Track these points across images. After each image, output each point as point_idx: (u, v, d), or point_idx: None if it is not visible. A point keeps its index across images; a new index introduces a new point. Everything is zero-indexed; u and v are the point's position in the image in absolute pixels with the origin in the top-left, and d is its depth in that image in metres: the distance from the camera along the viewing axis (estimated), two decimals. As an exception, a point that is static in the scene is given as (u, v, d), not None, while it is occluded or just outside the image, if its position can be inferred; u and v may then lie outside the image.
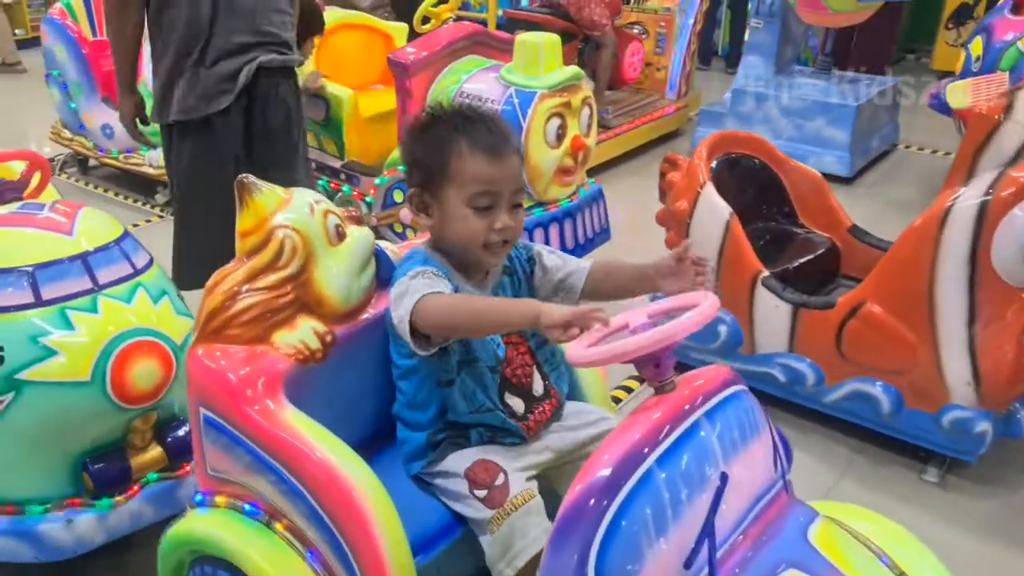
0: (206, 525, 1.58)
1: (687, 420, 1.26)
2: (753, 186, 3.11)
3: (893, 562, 1.38)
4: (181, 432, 2.09)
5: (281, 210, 1.53)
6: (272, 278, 1.51)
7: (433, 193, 1.52)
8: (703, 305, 1.27)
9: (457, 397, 1.53)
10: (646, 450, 1.20)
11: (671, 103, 5.90)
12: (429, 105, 1.66)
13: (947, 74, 5.90)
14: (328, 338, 1.55)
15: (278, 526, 1.50)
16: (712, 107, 5.69)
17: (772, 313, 2.77)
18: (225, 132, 2.54)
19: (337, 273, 1.57)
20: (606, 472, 1.18)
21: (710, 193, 2.85)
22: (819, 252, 3.04)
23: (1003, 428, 2.53)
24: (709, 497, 1.23)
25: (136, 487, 2.03)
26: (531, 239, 3.31)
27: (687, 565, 1.19)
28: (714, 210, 2.83)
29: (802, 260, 2.98)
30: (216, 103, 2.49)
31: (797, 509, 1.39)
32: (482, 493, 1.48)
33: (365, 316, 1.64)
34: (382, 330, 1.63)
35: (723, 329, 2.87)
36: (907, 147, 5.74)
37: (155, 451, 2.06)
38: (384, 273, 1.66)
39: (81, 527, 1.96)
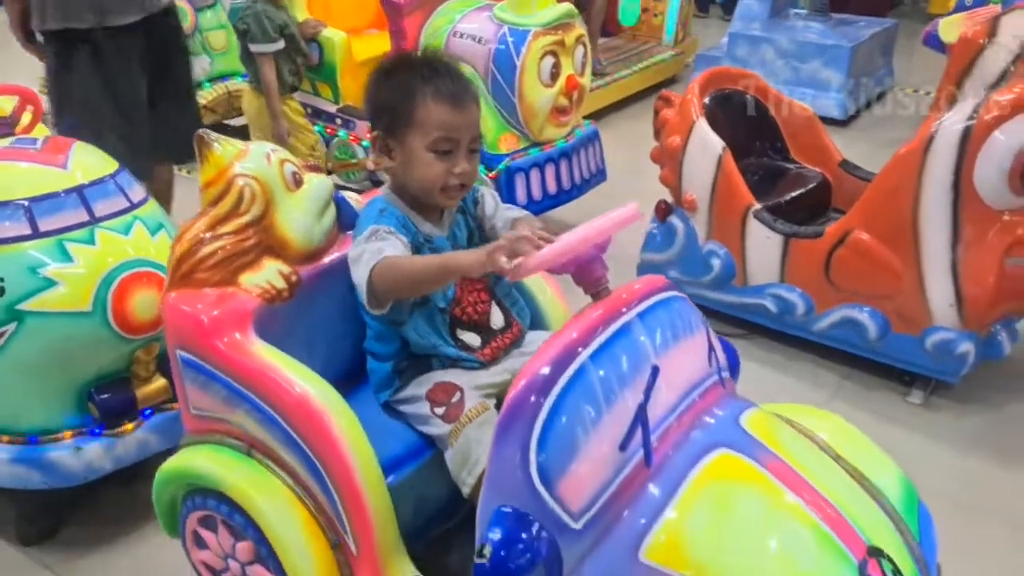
0: (192, 459, 1.67)
1: (620, 320, 1.34)
2: (745, 122, 3.14)
3: (828, 445, 1.47)
4: (183, 363, 2.17)
5: (239, 160, 1.61)
6: (235, 223, 1.59)
7: (397, 137, 1.59)
8: (626, 208, 1.36)
9: (412, 335, 1.62)
10: (580, 348, 1.28)
11: (667, 49, 5.88)
12: (395, 55, 1.72)
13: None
14: (293, 278, 1.63)
15: (258, 455, 1.59)
16: (708, 52, 5.67)
17: (763, 244, 2.82)
18: (120, 53, 2.51)
19: (297, 217, 1.65)
20: (544, 369, 1.25)
21: (703, 128, 2.88)
22: (810, 186, 3.07)
23: (984, 350, 2.58)
24: (641, 387, 1.30)
25: (141, 417, 2.11)
26: (527, 180, 3.35)
27: (622, 448, 1.27)
28: (707, 145, 2.86)
29: (793, 194, 3.01)
30: (114, 18, 2.46)
31: (732, 401, 1.46)
32: (440, 410, 1.57)
33: (330, 258, 1.72)
34: (347, 271, 1.69)
35: (716, 262, 2.92)
36: (902, 89, 5.73)
37: (159, 382, 2.13)
38: (345, 219, 1.74)
39: (89, 455, 2.04)
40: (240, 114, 4.56)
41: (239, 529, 1.59)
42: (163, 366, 2.14)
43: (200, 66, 4.37)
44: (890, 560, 1.30)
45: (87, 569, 2.12)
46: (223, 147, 1.61)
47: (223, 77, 4.46)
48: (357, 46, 3.71)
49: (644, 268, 3.11)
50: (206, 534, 1.68)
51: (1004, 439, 2.54)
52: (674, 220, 3.02)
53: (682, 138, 2.93)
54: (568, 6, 3.33)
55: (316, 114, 3.78)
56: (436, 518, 1.63)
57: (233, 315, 1.55)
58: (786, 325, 2.87)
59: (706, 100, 3.02)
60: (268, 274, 1.60)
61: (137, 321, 2.01)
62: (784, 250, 2.79)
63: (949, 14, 4.35)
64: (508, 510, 1.23)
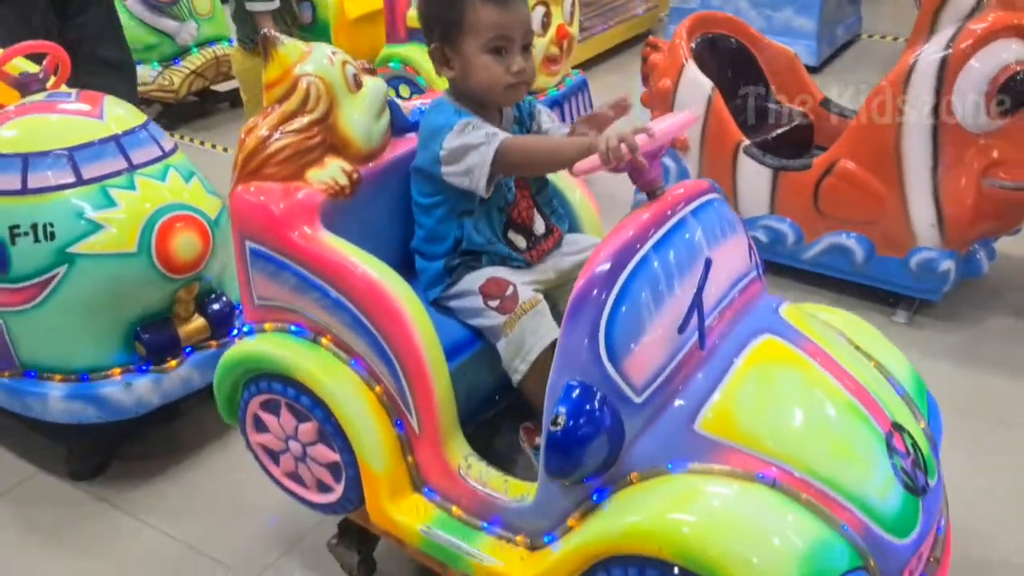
0: (258, 345, 1.75)
1: (675, 217, 1.47)
2: (730, 64, 3.27)
3: (849, 339, 1.63)
4: (219, 304, 2.29)
5: (303, 61, 1.69)
6: (302, 121, 1.66)
7: (452, 46, 1.68)
8: (686, 111, 1.54)
9: (471, 227, 1.73)
10: (638, 245, 1.41)
11: (641, 4, 5.99)
12: None
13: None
14: (355, 176, 1.71)
15: (324, 340, 1.69)
16: (682, 5, 5.78)
17: (754, 178, 2.97)
18: None
19: (358, 117, 1.72)
20: (606, 262, 1.39)
21: (692, 70, 3.02)
22: (794, 124, 3.22)
23: (964, 268, 2.77)
24: (696, 276, 1.45)
25: (184, 354, 2.23)
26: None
27: (680, 330, 1.42)
28: (696, 86, 3.00)
29: (779, 131, 3.17)
30: None
31: (769, 295, 1.62)
32: (495, 303, 1.68)
33: (385, 159, 1.81)
34: (402, 171, 1.80)
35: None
36: (870, 36, 5.91)
37: (198, 321, 2.25)
38: (398, 122, 1.83)
39: (139, 390, 2.16)
40: (228, 78, 4.63)
41: (305, 411, 1.69)
42: (201, 306, 2.27)
43: (187, 31, 4.41)
44: (910, 435, 1.47)
45: (140, 499, 2.24)
46: (288, 47, 1.68)
47: (210, 42, 4.50)
48: (349, 4, 3.79)
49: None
50: (267, 417, 1.78)
51: (985, 350, 2.73)
52: (666, 160, 3.16)
53: (672, 81, 3.06)
54: (557, -43, 3.44)
55: (310, 72, 3.86)
56: (484, 405, 1.76)
57: (302, 207, 1.63)
58: (777, 255, 3.03)
59: (693, 44, 3.15)
60: (332, 171, 1.68)
61: (179, 260, 2.11)
62: (773, 183, 2.95)
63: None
64: (577, 384, 1.36)
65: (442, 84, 3.44)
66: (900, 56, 2.67)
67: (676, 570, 1.31)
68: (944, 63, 2.50)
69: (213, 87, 4.72)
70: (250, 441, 1.87)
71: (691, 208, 1.51)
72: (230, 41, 4.55)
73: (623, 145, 1.38)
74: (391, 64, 3.52)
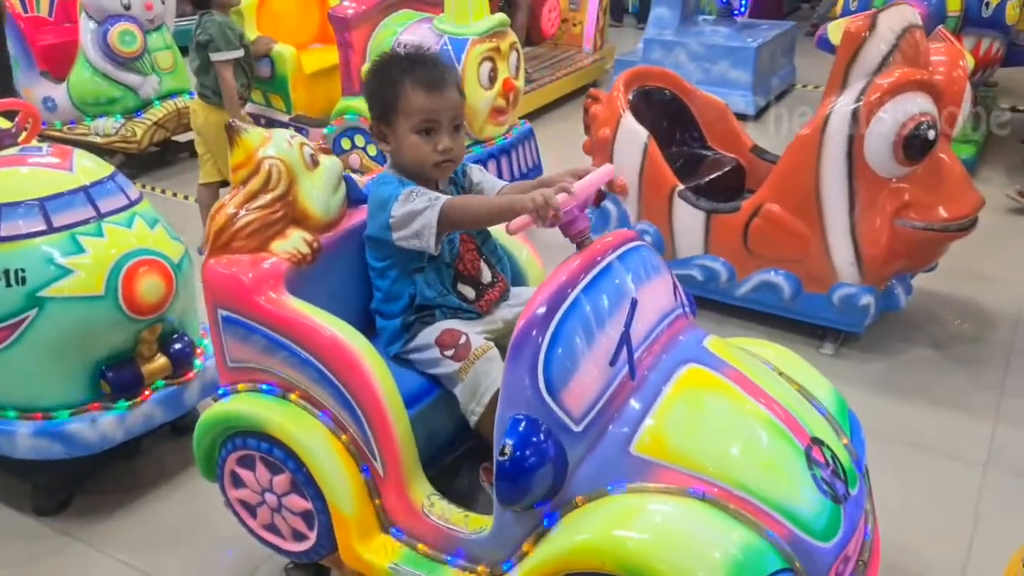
0: (233, 405, 1.88)
1: (603, 262, 1.63)
2: (666, 115, 3.50)
3: (776, 367, 1.80)
4: (181, 344, 2.40)
5: (265, 145, 1.85)
6: (265, 198, 1.82)
7: (388, 124, 1.85)
8: (604, 167, 1.69)
9: (423, 283, 1.87)
10: (569, 289, 1.57)
11: (588, 56, 6.27)
12: (381, 52, 1.97)
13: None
14: (315, 244, 1.87)
15: (292, 396, 1.82)
16: (626, 57, 6.08)
17: (688, 221, 3.17)
18: None
19: (316, 192, 1.89)
20: (542, 306, 1.54)
21: (629, 120, 3.23)
22: (726, 169, 3.44)
23: (884, 302, 2.98)
24: (624, 315, 1.60)
25: (147, 392, 2.33)
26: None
27: (612, 363, 1.57)
28: (633, 135, 3.21)
29: (711, 176, 3.37)
30: None
31: (695, 328, 1.78)
32: (450, 352, 1.83)
33: (343, 228, 1.96)
34: (358, 238, 1.95)
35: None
36: (804, 86, 6.24)
37: (161, 360, 2.36)
38: (354, 194, 1.99)
39: (104, 426, 2.26)
40: (188, 129, 4.76)
41: (278, 463, 1.81)
42: (164, 346, 2.38)
43: (150, 85, 4.55)
44: (829, 448, 1.63)
45: (102, 532, 2.33)
46: (251, 134, 1.85)
47: (172, 95, 4.64)
48: (306, 59, 3.96)
49: (584, 250, 3.42)
50: (244, 473, 1.90)
51: (904, 380, 2.93)
52: (607, 204, 3.35)
53: (611, 130, 3.26)
54: (501, 16, 3.66)
55: (270, 124, 4.01)
56: (444, 449, 1.90)
57: (269, 275, 1.78)
58: (712, 292, 3.22)
59: (630, 96, 3.37)
60: (295, 241, 1.84)
61: (144, 303, 2.23)
62: (707, 225, 3.15)
63: (838, 17, 4.86)
64: (522, 417, 1.50)
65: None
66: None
67: None
68: (856, 114, 2.73)
69: (174, 138, 4.85)
70: (229, 497, 1.98)
71: (617, 254, 1.67)
72: (191, 94, 4.69)
73: (548, 204, 1.55)
74: (347, 116, 3.69)
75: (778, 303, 3.08)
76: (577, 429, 1.53)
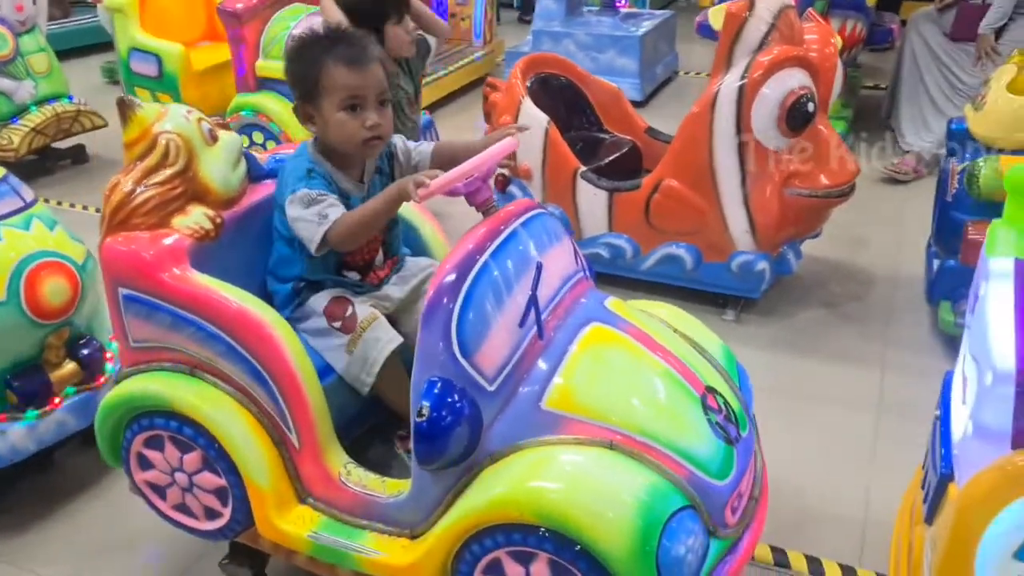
0: (138, 384, 1.84)
1: (508, 229, 1.70)
2: (563, 100, 3.59)
3: (669, 325, 1.91)
4: (90, 348, 2.34)
5: (161, 120, 1.83)
6: (164, 173, 1.79)
7: (313, 104, 1.85)
8: (505, 139, 1.73)
9: (308, 268, 1.90)
10: (477, 255, 1.62)
11: (478, 49, 6.34)
12: (302, 31, 1.96)
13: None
14: (218, 220, 1.85)
15: (201, 373, 1.81)
16: (516, 49, 6.18)
17: (592, 201, 3.27)
18: None
19: (216, 167, 1.86)
20: (451, 272, 1.59)
21: (528, 106, 3.30)
22: (624, 151, 3.56)
23: (777, 268, 3.15)
24: (531, 278, 1.68)
25: (57, 399, 2.27)
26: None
27: (521, 325, 1.64)
28: (533, 120, 3.28)
29: (611, 158, 3.49)
30: None
31: (596, 291, 1.87)
32: (338, 324, 1.86)
33: (245, 204, 1.96)
34: (260, 214, 1.96)
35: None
36: (686, 73, 6.48)
37: (70, 366, 2.31)
38: (254, 171, 1.99)
39: (13, 438, 2.20)
40: (69, 135, 4.59)
41: (188, 441, 1.80)
42: (72, 351, 2.31)
43: (25, 90, 4.36)
44: (721, 396, 1.74)
45: (20, 547, 2.26)
46: (145, 109, 1.81)
47: (49, 99, 4.46)
48: (195, 57, 3.88)
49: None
50: (151, 454, 1.88)
51: (798, 338, 3.11)
52: (513, 189, 3.42)
53: (512, 116, 3.33)
54: (396, 8, 3.67)
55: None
56: (356, 420, 1.92)
57: (172, 252, 1.76)
58: (618, 268, 3.33)
59: (528, 83, 3.45)
60: (197, 217, 1.81)
61: (49, 306, 2.18)
62: (610, 204, 3.26)
63: (716, 3, 5.08)
64: (437, 379, 1.56)
65: (296, 129, 3.61)
66: (710, 87, 3.04)
67: (542, 530, 1.50)
68: (742, 91, 2.88)
69: (54, 144, 4.66)
70: (135, 480, 1.95)
71: (521, 221, 1.74)
72: (70, 98, 4.54)
73: (420, 191, 1.63)
74: (243, 112, 3.64)
75: (681, 274, 3.22)
76: (491, 388, 1.59)
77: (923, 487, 1.56)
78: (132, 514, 2.32)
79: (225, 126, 1.97)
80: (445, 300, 1.57)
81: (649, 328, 1.80)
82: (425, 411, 1.53)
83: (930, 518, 1.48)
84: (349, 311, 1.85)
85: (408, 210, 2.09)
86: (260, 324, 1.72)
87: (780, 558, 2.14)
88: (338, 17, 2.96)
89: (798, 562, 2.13)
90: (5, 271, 2.12)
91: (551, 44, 5.77)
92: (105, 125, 4.66)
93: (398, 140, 2.01)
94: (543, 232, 1.78)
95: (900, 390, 2.80)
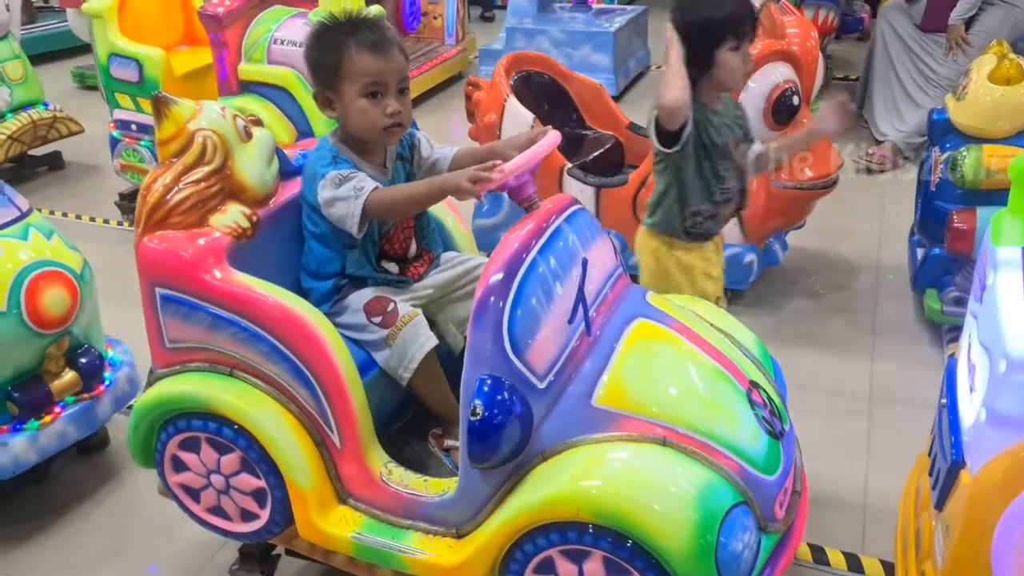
0: (175, 385, 1.81)
1: (551, 227, 1.71)
2: (546, 97, 3.61)
3: (701, 317, 1.92)
4: (89, 357, 2.31)
5: (196, 117, 1.79)
6: (202, 171, 1.77)
7: (333, 90, 1.83)
8: (549, 135, 1.75)
9: (351, 260, 1.89)
10: (524, 254, 1.62)
11: (451, 48, 6.33)
12: (323, 16, 1.95)
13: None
14: (254, 218, 1.83)
15: (240, 373, 1.78)
16: (490, 46, 6.18)
17: (578, 196, 3.20)
18: None
19: (252, 164, 1.84)
20: (499, 271, 1.58)
21: (513, 104, 3.31)
22: (607, 146, 3.58)
23: (765, 259, 3.21)
24: (577, 275, 1.68)
25: (58, 409, 2.23)
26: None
27: (570, 321, 1.65)
28: (519, 118, 3.29)
29: (595, 154, 3.51)
30: None
31: (636, 286, 1.90)
32: (377, 319, 1.85)
33: (279, 201, 1.93)
34: (293, 210, 1.93)
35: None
36: (658, 67, 6.53)
37: (70, 375, 2.26)
38: (284, 167, 1.96)
39: (15, 449, 2.14)
40: (46, 142, 4.52)
41: (227, 442, 1.77)
42: (71, 360, 2.29)
43: (1, 98, 4.28)
44: (764, 390, 1.77)
45: (19, 559, 2.22)
46: (180, 106, 1.78)
47: (25, 107, 4.38)
48: (175, 61, 3.83)
49: (478, 233, 3.49)
50: (187, 456, 1.84)
51: (787, 329, 3.16)
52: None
53: (497, 114, 3.33)
54: (378, 8, 3.64)
55: (143, 129, 3.84)
56: (391, 418, 1.91)
57: (210, 250, 1.73)
58: (607, 264, 3.36)
59: (511, 81, 3.46)
60: (234, 215, 1.79)
61: (50, 316, 2.14)
62: (596, 199, 3.28)
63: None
64: (488, 377, 1.55)
65: (280, 134, 3.58)
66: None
67: (598, 528, 1.51)
68: (725, 84, 2.91)
69: (31, 151, 4.58)
70: (168, 482, 1.91)
71: (563, 217, 1.75)
72: (45, 105, 4.47)
73: (477, 184, 1.64)
74: (228, 116, 3.61)
75: (669, 268, 3.25)
76: (541, 386, 1.59)
77: (931, 474, 1.60)
78: (131, 524, 2.30)
79: (258, 122, 1.94)
80: (494, 299, 1.56)
81: (691, 323, 1.81)
82: (479, 410, 1.52)
83: (940, 504, 1.52)
84: (391, 307, 1.85)
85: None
86: (304, 323, 1.70)
87: (785, 547, 2.18)
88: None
89: (803, 551, 2.17)
90: (5, 282, 2.07)
91: (524, 41, 5.77)
92: (82, 131, 4.58)
93: (421, 135, 2.01)
94: (585, 228, 1.79)
95: (891, 377, 2.86)
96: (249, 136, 1.86)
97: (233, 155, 1.81)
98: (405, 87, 1.84)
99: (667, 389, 1.65)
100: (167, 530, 2.21)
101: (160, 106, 1.77)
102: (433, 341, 1.84)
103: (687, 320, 1.81)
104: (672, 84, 2.06)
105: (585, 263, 1.71)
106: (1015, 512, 1.27)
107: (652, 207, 2.30)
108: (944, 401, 1.62)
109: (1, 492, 2.26)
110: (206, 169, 1.77)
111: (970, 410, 1.47)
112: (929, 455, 1.69)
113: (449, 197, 1.77)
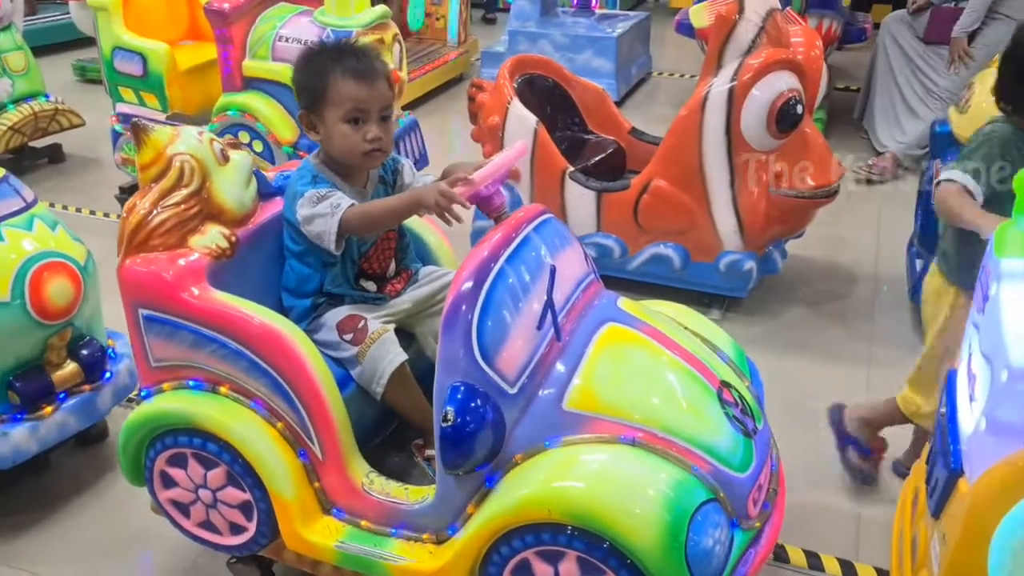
0: (161, 403, 1.86)
1: (520, 235, 1.73)
2: (549, 101, 3.63)
3: (677, 322, 1.95)
4: (90, 349, 2.33)
5: (174, 142, 1.84)
6: (180, 194, 1.82)
7: (317, 113, 1.88)
8: (517, 143, 1.82)
9: (330, 278, 1.94)
10: (492, 263, 1.65)
11: (453, 49, 6.34)
12: (312, 42, 1.99)
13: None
14: (233, 238, 1.88)
15: (222, 389, 1.83)
16: (492, 49, 6.20)
17: (580, 200, 3.31)
18: None
19: (229, 186, 1.89)
20: (468, 280, 1.61)
21: (517, 106, 3.33)
22: (609, 151, 3.60)
23: (764, 267, 3.22)
24: (545, 282, 1.71)
25: (58, 401, 2.26)
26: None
27: (539, 327, 1.68)
28: (522, 121, 3.31)
29: (597, 159, 3.53)
30: None
31: (607, 292, 1.92)
32: (348, 336, 1.89)
33: (258, 221, 1.97)
34: (271, 230, 1.98)
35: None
36: (659, 74, 6.56)
37: (71, 367, 2.30)
38: (263, 188, 2.01)
39: (16, 439, 2.19)
40: (47, 134, 4.52)
41: (212, 457, 1.82)
42: (73, 351, 2.29)
43: (2, 89, 4.29)
44: (736, 389, 1.79)
45: (21, 550, 2.25)
46: (158, 131, 1.83)
47: (26, 98, 4.39)
48: (179, 56, 3.85)
49: (477, 235, 3.51)
50: (175, 472, 1.89)
51: (784, 336, 3.18)
52: (501, 190, 3.44)
53: (500, 117, 3.35)
54: (383, 8, 3.68)
55: (145, 123, 3.86)
56: (372, 431, 1.95)
57: (191, 271, 1.78)
58: (606, 268, 3.34)
59: (515, 84, 3.48)
60: (213, 236, 1.84)
61: (53, 307, 2.17)
62: (598, 204, 3.29)
63: (695, 3, 5.14)
64: (460, 384, 1.58)
65: (282, 129, 3.60)
66: (686, 89, 3.09)
67: (569, 529, 1.53)
68: (731, 93, 2.93)
69: (31, 143, 4.59)
70: (159, 499, 1.95)
71: (533, 226, 1.78)
72: (47, 97, 4.47)
73: (444, 198, 1.67)
74: (229, 112, 3.62)
75: (669, 274, 3.26)
76: (512, 391, 1.62)
77: (928, 483, 1.61)
78: (130, 515, 2.32)
79: (235, 145, 2.00)
80: (464, 307, 1.60)
81: (661, 326, 1.84)
82: (451, 416, 1.55)
83: (937, 512, 1.53)
84: (361, 324, 1.89)
85: (413, 220, 2.11)
86: (282, 339, 1.74)
87: (779, 553, 2.19)
88: None
89: (797, 557, 2.19)
90: (9, 272, 2.11)
91: (527, 44, 5.79)
92: (83, 124, 4.61)
93: (406, 162, 2.06)
94: (554, 236, 1.82)
95: (887, 386, 2.86)
96: (226, 159, 1.91)
97: (211, 177, 1.86)
98: (388, 115, 1.89)
99: (636, 391, 1.68)
100: (165, 521, 2.20)
101: (139, 132, 1.82)
102: (402, 356, 1.88)
103: (658, 324, 1.84)
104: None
105: (553, 271, 1.74)
106: (1013, 521, 1.28)
107: None
108: (943, 411, 1.63)
109: (3, 481, 2.26)
110: (185, 191, 1.82)
111: (970, 420, 1.48)
112: (927, 464, 1.71)
113: (433, 216, 1.78)
